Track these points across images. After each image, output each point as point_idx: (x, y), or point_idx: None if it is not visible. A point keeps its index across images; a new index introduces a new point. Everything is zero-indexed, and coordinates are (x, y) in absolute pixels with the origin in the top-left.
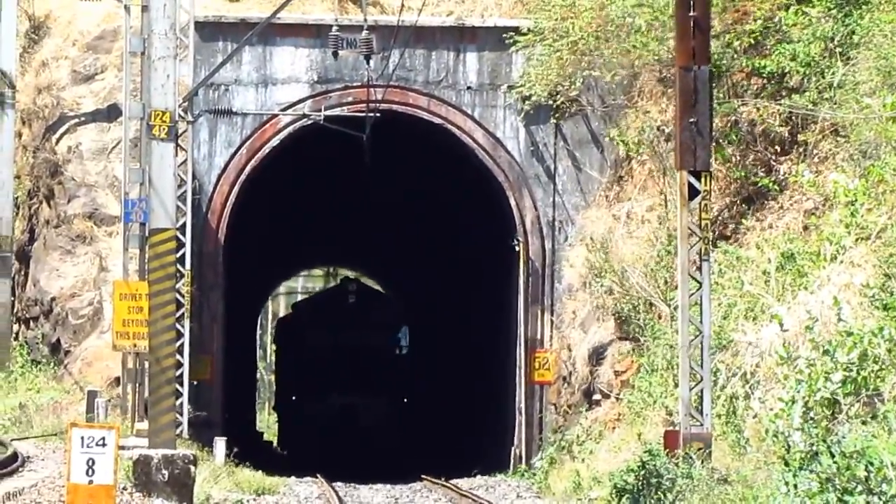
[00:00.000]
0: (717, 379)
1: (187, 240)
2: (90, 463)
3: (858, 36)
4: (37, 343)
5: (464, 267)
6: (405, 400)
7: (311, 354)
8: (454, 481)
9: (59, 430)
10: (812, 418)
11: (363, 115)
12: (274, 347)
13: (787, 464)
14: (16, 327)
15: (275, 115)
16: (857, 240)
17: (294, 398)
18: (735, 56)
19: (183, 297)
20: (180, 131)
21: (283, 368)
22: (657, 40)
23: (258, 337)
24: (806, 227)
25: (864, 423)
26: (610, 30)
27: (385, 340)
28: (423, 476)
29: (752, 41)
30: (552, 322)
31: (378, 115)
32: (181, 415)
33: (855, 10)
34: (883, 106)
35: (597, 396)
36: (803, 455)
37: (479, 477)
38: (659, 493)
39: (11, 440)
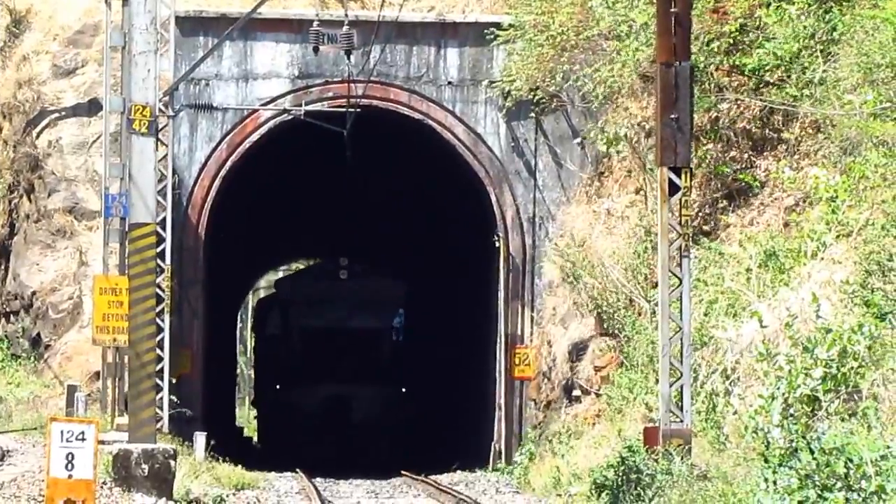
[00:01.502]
0: (698, 375)
1: (167, 234)
2: (70, 457)
3: (839, 32)
4: (17, 337)
5: (445, 263)
6: (403, 390)
7: (296, 338)
8: (433, 477)
9: (39, 425)
10: (792, 415)
11: (344, 110)
12: (253, 335)
13: (766, 460)
14: None
15: (255, 110)
16: (837, 236)
17: (277, 387)
18: (714, 54)
19: (163, 291)
20: (161, 126)
21: (263, 355)
22: (644, 44)
23: (239, 331)
24: (786, 224)
25: (843, 419)
26: (591, 25)
27: (381, 322)
28: (402, 471)
29: (731, 41)
30: (532, 318)
31: (359, 110)
32: (161, 409)
33: (836, 7)
34: (864, 103)
35: (577, 392)
36: (783, 451)
37: (458, 472)
38: (638, 489)
39: None
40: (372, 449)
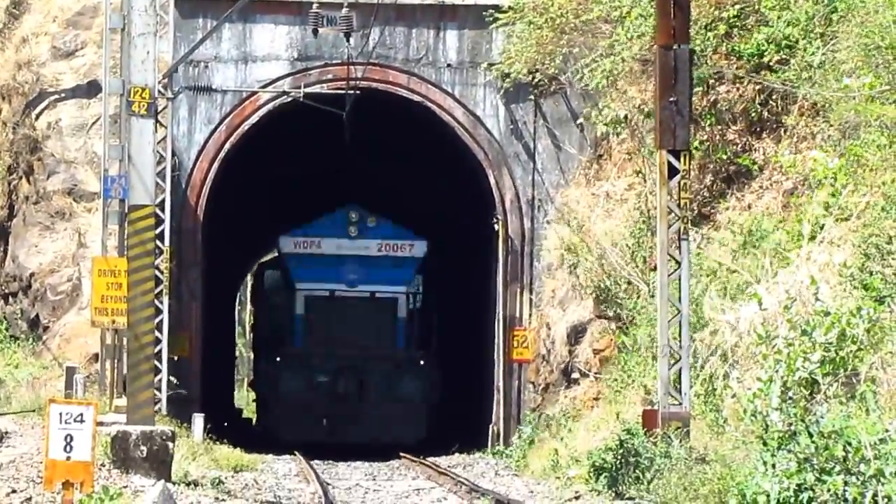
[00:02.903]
0: (697, 358)
1: (166, 216)
2: (68, 439)
3: (839, 15)
4: (15, 319)
5: (443, 245)
6: (421, 363)
7: (300, 304)
8: (432, 459)
9: (38, 406)
10: (790, 398)
11: (343, 92)
12: (252, 307)
13: (765, 443)
14: None
15: (254, 93)
16: (837, 220)
17: (278, 360)
18: (711, 39)
19: (162, 273)
20: (160, 108)
21: (263, 325)
22: (637, 36)
23: (237, 313)
24: (785, 207)
25: (842, 403)
26: (590, 7)
27: (398, 285)
28: (401, 453)
29: (729, 27)
30: (531, 300)
31: (358, 92)
32: (159, 391)
33: None
34: (863, 85)
35: (575, 375)
36: (781, 435)
37: (457, 455)
38: (637, 471)
39: None
40: (388, 429)
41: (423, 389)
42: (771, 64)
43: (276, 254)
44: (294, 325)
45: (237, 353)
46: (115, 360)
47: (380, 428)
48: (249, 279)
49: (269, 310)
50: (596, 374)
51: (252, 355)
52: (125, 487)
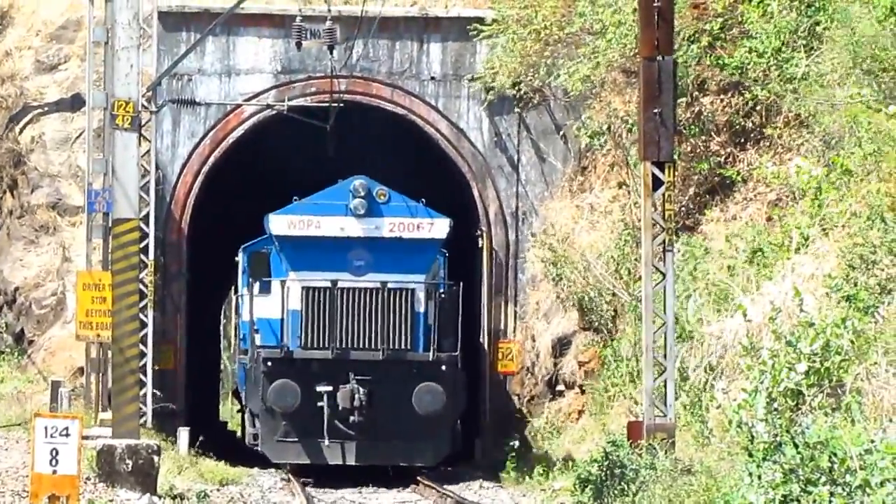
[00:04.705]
0: (683, 370)
1: (150, 230)
2: (54, 453)
3: (823, 27)
4: (0, 333)
5: None
6: (443, 368)
7: (295, 300)
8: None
9: (23, 420)
10: (776, 409)
11: (327, 105)
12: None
13: (750, 454)
14: None
15: (238, 106)
16: (821, 230)
17: (269, 364)
18: (694, 51)
19: (146, 286)
20: (144, 121)
21: (247, 325)
22: (617, 41)
23: (222, 326)
24: (770, 219)
25: (827, 413)
26: (573, 19)
27: (415, 274)
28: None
29: (712, 39)
30: (516, 313)
31: (341, 105)
32: (144, 405)
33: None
34: (851, 95)
35: (560, 387)
36: (767, 446)
37: (441, 467)
38: (622, 483)
39: None
40: (405, 449)
41: (447, 401)
42: (755, 76)
43: (265, 236)
44: (287, 322)
45: (222, 366)
46: (100, 374)
47: (394, 448)
48: (233, 293)
49: (256, 304)
50: (581, 385)
51: (235, 364)
52: (111, 501)
